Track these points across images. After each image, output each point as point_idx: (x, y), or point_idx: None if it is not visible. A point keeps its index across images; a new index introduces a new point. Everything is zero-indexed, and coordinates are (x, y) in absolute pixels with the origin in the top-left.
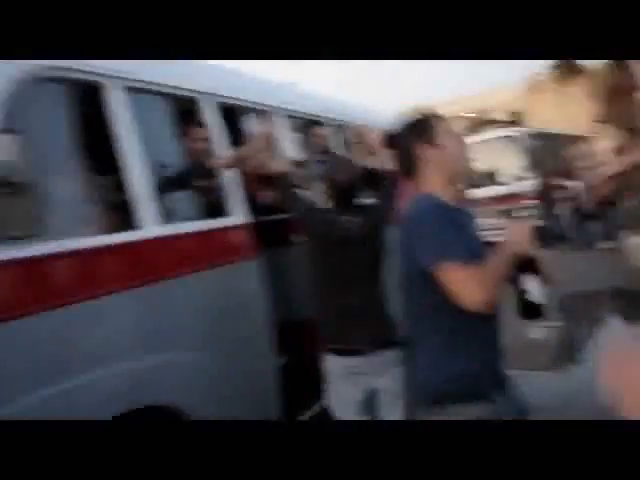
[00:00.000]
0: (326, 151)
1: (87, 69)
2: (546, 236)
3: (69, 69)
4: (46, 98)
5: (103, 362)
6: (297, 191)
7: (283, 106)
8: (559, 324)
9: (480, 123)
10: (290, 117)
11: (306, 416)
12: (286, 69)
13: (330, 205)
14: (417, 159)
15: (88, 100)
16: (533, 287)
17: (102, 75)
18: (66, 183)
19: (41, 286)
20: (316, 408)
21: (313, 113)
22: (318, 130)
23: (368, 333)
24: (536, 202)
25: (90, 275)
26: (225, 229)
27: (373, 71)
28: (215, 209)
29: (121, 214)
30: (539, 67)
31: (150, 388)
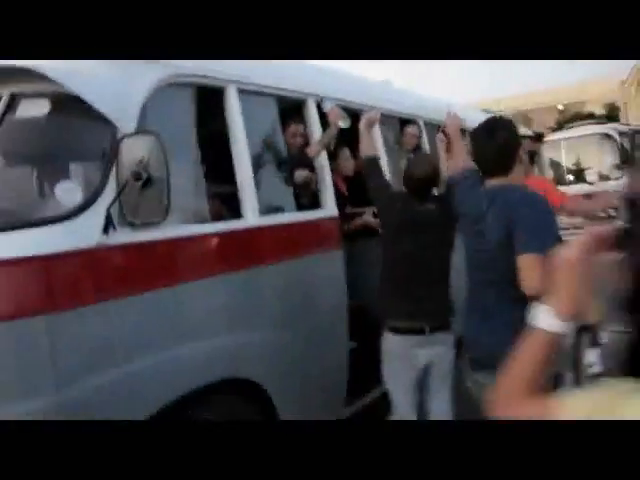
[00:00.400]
0: (417, 148)
1: (209, 74)
2: (629, 242)
3: (194, 75)
4: (174, 101)
5: (200, 335)
6: (384, 177)
7: (379, 104)
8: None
9: (574, 116)
10: (385, 115)
11: (367, 399)
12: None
13: (410, 196)
14: (515, 157)
15: (208, 102)
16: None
17: (221, 79)
18: (187, 177)
19: (159, 266)
20: (377, 392)
21: (406, 112)
22: (410, 129)
23: (432, 315)
24: (623, 204)
25: (197, 258)
26: (316, 221)
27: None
28: (308, 201)
29: (228, 204)
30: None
31: (235, 362)
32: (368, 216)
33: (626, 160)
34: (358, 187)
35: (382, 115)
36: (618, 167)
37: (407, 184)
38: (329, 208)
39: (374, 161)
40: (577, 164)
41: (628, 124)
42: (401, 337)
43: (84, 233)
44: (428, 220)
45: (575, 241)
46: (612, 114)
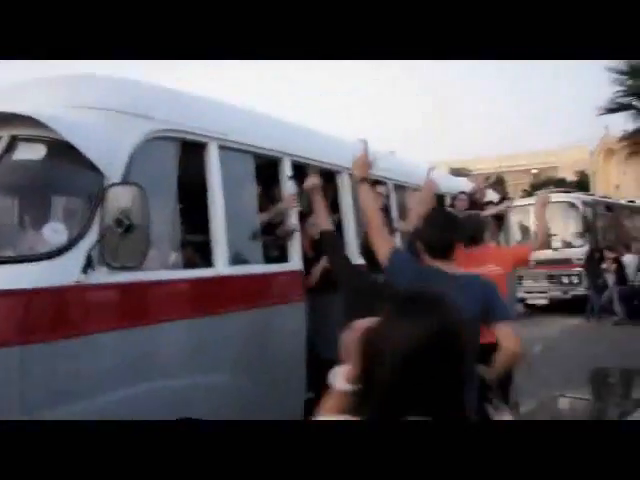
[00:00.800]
0: (384, 209)
1: (193, 130)
2: (590, 307)
3: (179, 130)
4: (159, 154)
5: (161, 375)
6: (341, 249)
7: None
8: (587, 397)
9: (546, 181)
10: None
11: None
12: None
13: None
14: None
15: (190, 156)
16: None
17: (203, 135)
18: (166, 226)
19: (132, 308)
20: None
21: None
22: (378, 189)
23: None
24: (584, 270)
25: (167, 302)
26: (281, 273)
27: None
28: (276, 255)
29: (201, 253)
30: (613, 131)
31: (191, 403)
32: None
33: (588, 229)
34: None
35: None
36: (581, 235)
37: (363, 254)
38: (295, 262)
39: (329, 235)
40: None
41: (592, 194)
42: None
43: (65, 271)
44: (380, 290)
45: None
46: (582, 181)
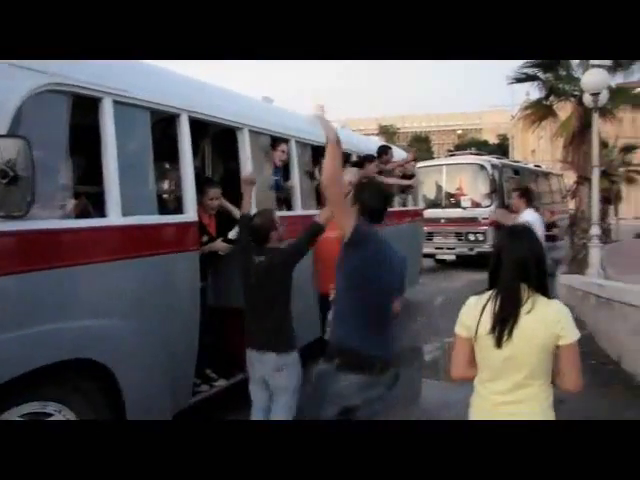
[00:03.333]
0: (287, 165)
1: (85, 85)
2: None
3: (71, 85)
4: (49, 107)
5: (55, 318)
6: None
7: (251, 123)
8: None
9: (470, 141)
10: (256, 132)
11: (213, 390)
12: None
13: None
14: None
15: (84, 109)
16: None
17: (94, 90)
18: (54, 177)
19: (19, 255)
20: (222, 383)
21: (278, 130)
22: (280, 146)
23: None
24: (490, 228)
25: (56, 250)
26: (175, 224)
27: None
28: (171, 207)
29: (94, 205)
30: (527, 99)
31: (85, 345)
32: (219, 242)
33: (495, 190)
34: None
35: (254, 132)
36: (488, 196)
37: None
38: (189, 214)
39: (247, 218)
40: (459, 189)
41: (500, 157)
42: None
43: None
44: (258, 271)
45: None
46: (503, 144)
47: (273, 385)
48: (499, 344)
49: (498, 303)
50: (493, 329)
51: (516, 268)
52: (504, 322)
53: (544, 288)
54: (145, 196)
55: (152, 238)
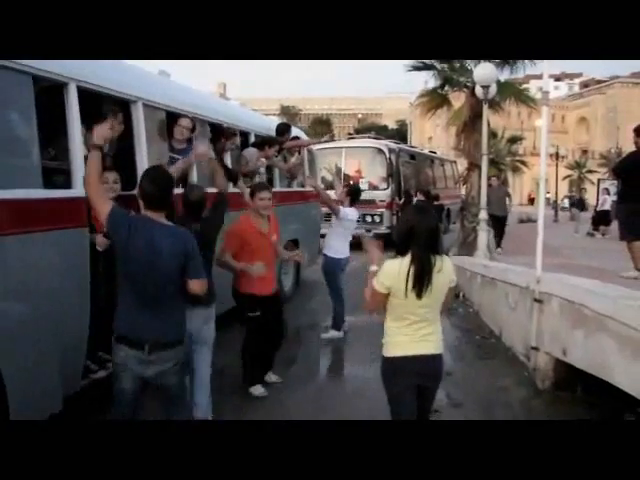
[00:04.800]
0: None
1: None
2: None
3: None
4: None
5: None
6: None
7: (149, 97)
8: None
9: (370, 126)
10: (152, 107)
11: (103, 373)
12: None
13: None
14: None
15: None
16: None
17: None
18: None
19: None
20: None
21: (178, 106)
22: (183, 121)
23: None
24: (386, 210)
25: None
26: (61, 199)
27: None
28: (59, 181)
29: None
30: (425, 87)
31: None
32: (98, 237)
33: (391, 174)
34: None
35: (147, 107)
36: (385, 179)
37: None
38: (78, 189)
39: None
40: (357, 171)
41: (398, 142)
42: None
43: None
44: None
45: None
46: (403, 130)
47: (202, 339)
48: (420, 297)
49: (416, 266)
50: (414, 286)
51: (428, 237)
52: (423, 280)
53: (441, 249)
54: (26, 168)
55: (37, 213)
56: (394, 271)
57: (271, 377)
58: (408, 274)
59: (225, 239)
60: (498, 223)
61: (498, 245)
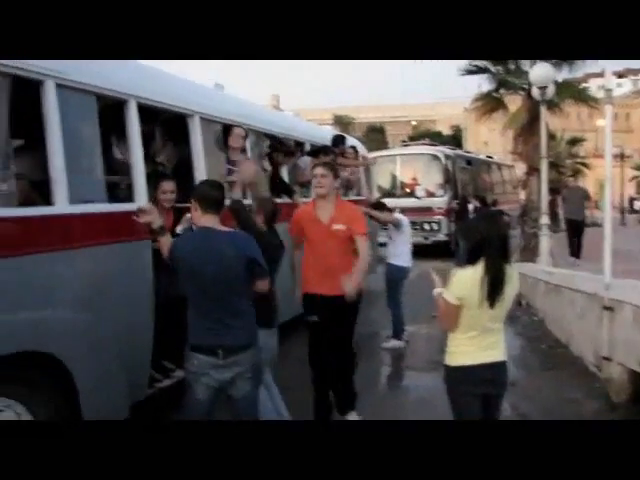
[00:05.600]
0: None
1: (25, 67)
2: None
3: (9, 66)
4: None
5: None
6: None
7: (204, 110)
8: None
9: (424, 132)
10: (207, 120)
11: (168, 382)
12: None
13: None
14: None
15: (25, 93)
16: None
17: (36, 72)
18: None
19: None
20: (179, 374)
21: (230, 118)
22: (237, 130)
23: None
24: (444, 217)
25: (4, 239)
26: (126, 213)
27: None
28: (121, 195)
29: (40, 193)
30: (479, 91)
31: (36, 337)
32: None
33: (448, 180)
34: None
35: (204, 121)
36: (441, 186)
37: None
38: (141, 202)
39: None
40: (413, 179)
41: (453, 148)
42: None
43: None
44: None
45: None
46: (457, 136)
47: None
48: (492, 306)
49: (490, 276)
50: (488, 296)
51: (500, 245)
52: (497, 290)
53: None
54: (93, 183)
55: (103, 226)
56: (466, 281)
57: (350, 415)
58: (482, 283)
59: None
60: (575, 229)
61: (576, 255)
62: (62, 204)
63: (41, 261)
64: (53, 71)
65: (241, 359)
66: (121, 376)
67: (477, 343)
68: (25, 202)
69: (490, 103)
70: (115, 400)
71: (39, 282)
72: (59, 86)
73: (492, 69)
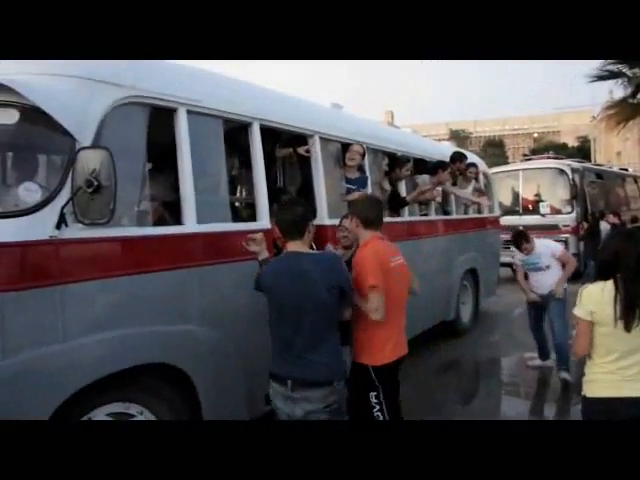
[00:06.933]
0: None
1: (160, 97)
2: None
3: (146, 97)
4: (130, 118)
5: (134, 323)
6: None
7: (323, 130)
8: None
9: (547, 145)
10: (327, 140)
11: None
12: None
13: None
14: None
15: (160, 120)
16: None
17: (171, 101)
18: (136, 187)
19: (104, 260)
20: None
21: (348, 137)
22: (355, 147)
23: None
24: (572, 235)
25: (137, 256)
26: (248, 231)
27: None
28: (245, 214)
29: (170, 213)
30: (609, 98)
31: (163, 350)
32: None
33: (576, 196)
34: None
35: (323, 140)
36: (568, 202)
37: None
38: (263, 221)
39: None
40: (537, 195)
41: (581, 161)
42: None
43: (40, 227)
44: None
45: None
46: (584, 147)
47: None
48: (628, 329)
49: (623, 296)
50: (622, 317)
51: (638, 265)
52: (632, 312)
53: None
54: (219, 204)
55: (227, 245)
56: (596, 295)
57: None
58: (616, 301)
59: (368, 272)
60: None
61: None
62: (191, 223)
63: (169, 278)
64: (185, 99)
65: (314, 395)
66: (241, 392)
67: (621, 372)
68: (158, 222)
69: (625, 110)
70: (234, 412)
71: (167, 297)
72: (190, 112)
73: (628, 73)
